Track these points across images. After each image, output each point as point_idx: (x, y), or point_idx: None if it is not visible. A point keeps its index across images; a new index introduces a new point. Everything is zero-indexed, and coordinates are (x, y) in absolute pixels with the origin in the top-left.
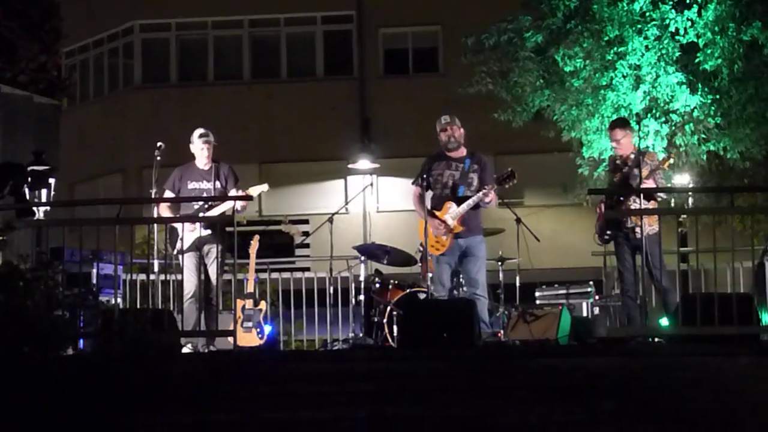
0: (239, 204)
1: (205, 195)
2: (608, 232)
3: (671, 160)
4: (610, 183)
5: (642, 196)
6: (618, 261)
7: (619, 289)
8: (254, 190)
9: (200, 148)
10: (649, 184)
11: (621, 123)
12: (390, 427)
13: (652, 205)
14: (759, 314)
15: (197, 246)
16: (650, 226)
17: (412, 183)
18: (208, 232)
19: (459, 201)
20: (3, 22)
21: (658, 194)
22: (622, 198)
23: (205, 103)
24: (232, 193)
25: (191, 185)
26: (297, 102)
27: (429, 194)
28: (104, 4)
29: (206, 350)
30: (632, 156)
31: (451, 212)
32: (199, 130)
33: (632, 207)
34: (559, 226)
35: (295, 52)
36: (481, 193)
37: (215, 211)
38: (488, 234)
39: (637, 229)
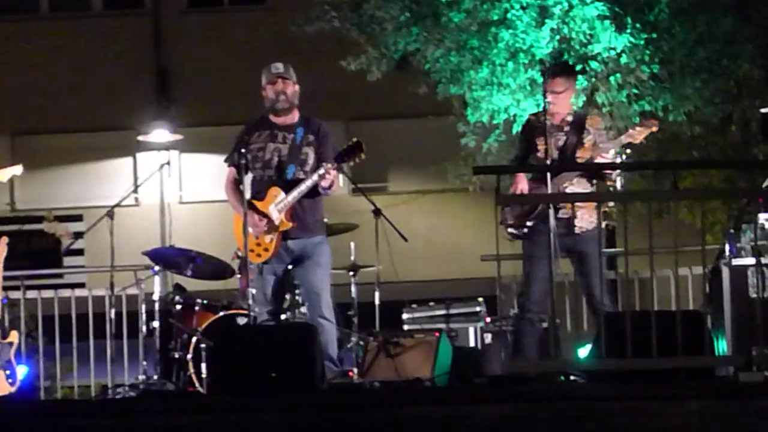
0: (7, 175)
1: None
2: (529, 223)
3: (654, 129)
4: (525, 152)
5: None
6: (529, 266)
7: (518, 307)
8: (2, 174)
9: None
10: (600, 159)
11: (565, 69)
12: None
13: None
14: (713, 340)
15: None
16: (589, 218)
17: (225, 161)
18: None
19: (288, 186)
20: None
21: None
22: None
23: None
24: None
25: None
26: (64, 48)
27: (249, 177)
28: None
29: None
30: (569, 118)
31: (277, 202)
32: None
33: (569, 191)
34: (436, 221)
35: None
36: (316, 174)
37: None
38: (336, 232)
39: (576, 222)
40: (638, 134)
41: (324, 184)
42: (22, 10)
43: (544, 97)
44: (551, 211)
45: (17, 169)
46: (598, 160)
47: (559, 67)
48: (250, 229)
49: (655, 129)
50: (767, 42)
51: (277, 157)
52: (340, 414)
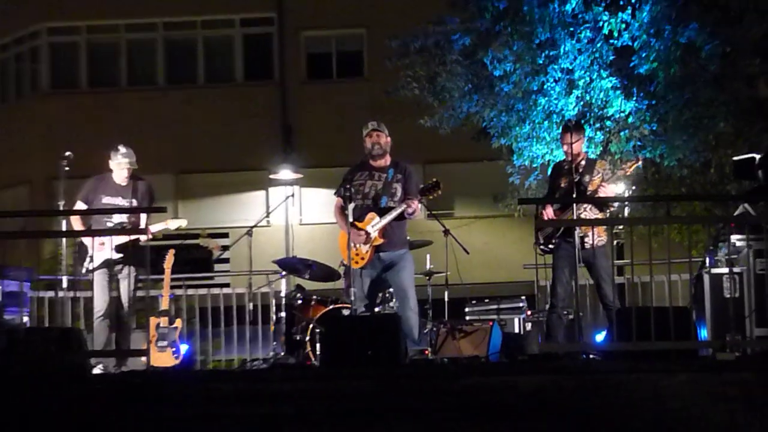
0: (175, 225)
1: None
2: (554, 240)
3: (639, 164)
4: (552, 188)
5: (592, 205)
6: (555, 272)
7: (548, 304)
8: (172, 224)
9: (121, 169)
10: (602, 194)
11: (574, 126)
12: None
13: (602, 215)
14: (697, 328)
15: (107, 265)
16: (599, 236)
17: (334, 193)
18: (119, 256)
19: (382, 212)
20: None
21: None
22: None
23: (117, 109)
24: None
25: (105, 200)
26: (215, 108)
27: (352, 206)
28: (9, 6)
29: (118, 371)
30: (583, 163)
31: (373, 224)
32: (123, 149)
33: (583, 216)
34: (490, 238)
35: (213, 55)
36: (403, 204)
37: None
38: (416, 247)
39: (586, 239)
40: (628, 168)
41: (409, 211)
42: (185, 80)
43: (562, 147)
44: (576, 232)
45: (183, 222)
46: (602, 190)
47: (568, 125)
48: (353, 240)
49: (640, 163)
50: (738, 107)
51: (373, 191)
52: (418, 382)
